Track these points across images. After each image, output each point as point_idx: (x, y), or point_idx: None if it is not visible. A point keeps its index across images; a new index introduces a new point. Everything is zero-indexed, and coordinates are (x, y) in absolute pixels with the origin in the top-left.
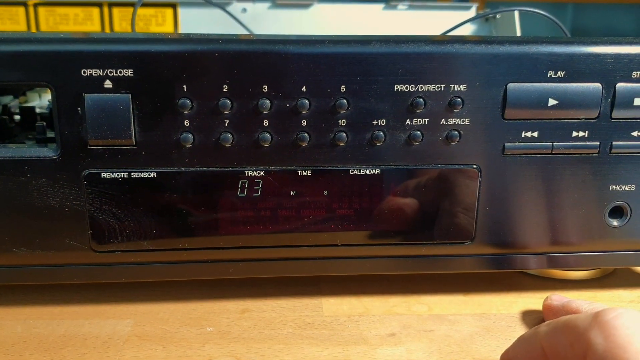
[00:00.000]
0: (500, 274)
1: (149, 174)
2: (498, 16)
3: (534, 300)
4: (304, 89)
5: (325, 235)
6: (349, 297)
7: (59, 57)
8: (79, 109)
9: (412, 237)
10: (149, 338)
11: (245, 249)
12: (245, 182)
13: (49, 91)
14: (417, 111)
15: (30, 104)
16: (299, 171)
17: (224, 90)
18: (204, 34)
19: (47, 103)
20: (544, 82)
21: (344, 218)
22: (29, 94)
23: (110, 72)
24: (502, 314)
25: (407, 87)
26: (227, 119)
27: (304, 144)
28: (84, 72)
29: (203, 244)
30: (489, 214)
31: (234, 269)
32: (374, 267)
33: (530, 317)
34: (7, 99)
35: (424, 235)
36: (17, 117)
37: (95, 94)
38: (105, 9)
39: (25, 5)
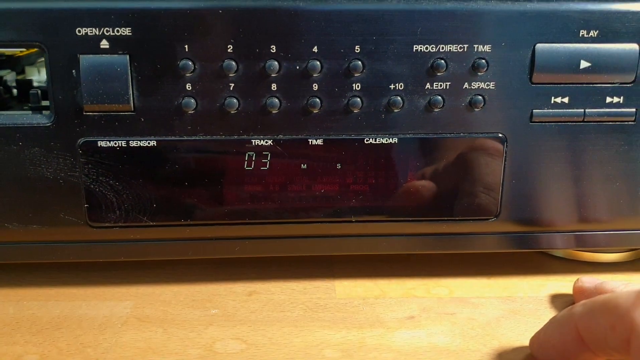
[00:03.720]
0: (526, 256)
1: (149, 143)
2: None
3: (563, 284)
4: (315, 49)
5: (338, 210)
6: (364, 280)
7: (52, 15)
8: (73, 71)
9: (431, 213)
10: (149, 320)
11: (252, 225)
12: (252, 152)
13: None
14: (438, 74)
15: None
16: (310, 140)
17: (229, 50)
18: None
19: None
20: (576, 43)
21: (358, 191)
22: (28, 70)
23: (107, 32)
24: (529, 297)
25: (427, 48)
26: (232, 83)
27: (315, 110)
28: (79, 32)
29: (207, 220)
30: (515, 187)
31: (240, 248)
32: (391, 245)
33: (560, 301)
34: (4, 72)
35: (445, 211)
36: (15, 91)
37: (91, 55)
38: None
39: None
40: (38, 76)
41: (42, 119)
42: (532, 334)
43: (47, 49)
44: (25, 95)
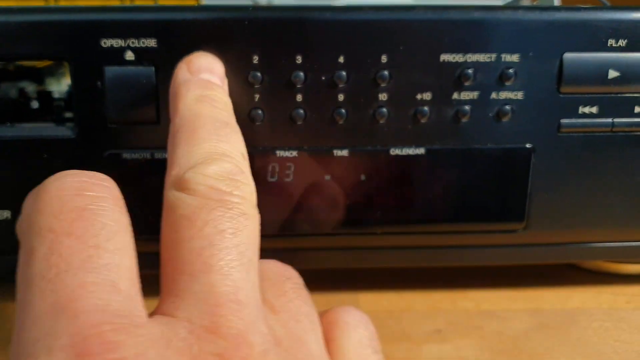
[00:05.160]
0: (552, 268)
1: None
2: (536, 2)
3: (590, 296)
4: (341, 59)
5: (363, 222)
6: (388, 292)
7: (77, 26)
8: (98, 83)
9: (457, 225)
10: None
11: (275, 238)
12: (276, 164)
13: (67, 77)
14: (465, 84)
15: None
16: (335, 151)
17: (255, 62)
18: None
19: (67, 88)
20: (604, 52)
21: (383, 203)
22: (48, 81)
23: (132, 43)
24: (556, 310)
25: (454, 58)
26: (257, 94)
27: (341, 121)
28: (104, 43)
29: None
30: (543, 199)
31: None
32: (417, 258)
33: (588, 313)
34: (24, 84)
35: (471, 223)
36: (35, 103)
37: (116, 67)
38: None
39: None
40: (58, 87)
41: (66, 131)
42: (562, 348)
43: (72, 62)
44: (45, 106)
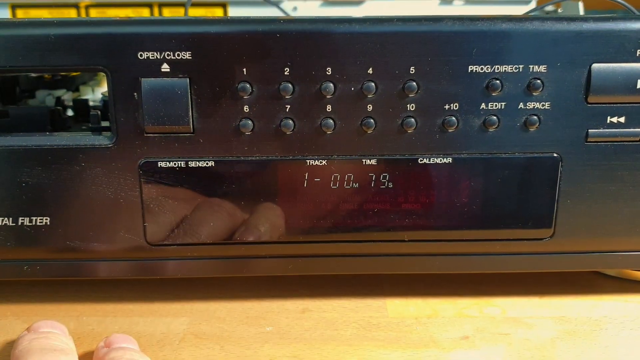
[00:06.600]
0: (579, 275)
1: (207, 163)
2: (560, 9)
3: (617, 304)
4: (370, 70)
5: (391, 229)
6: (415, 298)
7: (115, 39)
8: (135, 94)
9: (485, 232)
10: (206, 337)
11: (305, 244)
12: (306, 172)
13: (101, 85)
14: (493, 94)
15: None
16: (364, 160)
17: (286, 73)
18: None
19: (101, 96)
20: (633, 62)
21: (411, 211)
22: (82, 89)
23: (168, 55)
24: (583, 318)
25: (482, 68)
26: (288, 105)
27: (370, 131)
28: (141, 55)
29: (262, 238)
30: (570, 207)
31: (293, 266)
32: (444, 265)
33: (616, 322)
34: (61, 92)
35: (499, 230)
36: (70, 112)
37: (152, 79)
38: (156, 10)
39: (77, 7)
40: (92, 95)
41: (103, 140)
42: (590, 356)
43: (110, 73)
44: (81, 114)
